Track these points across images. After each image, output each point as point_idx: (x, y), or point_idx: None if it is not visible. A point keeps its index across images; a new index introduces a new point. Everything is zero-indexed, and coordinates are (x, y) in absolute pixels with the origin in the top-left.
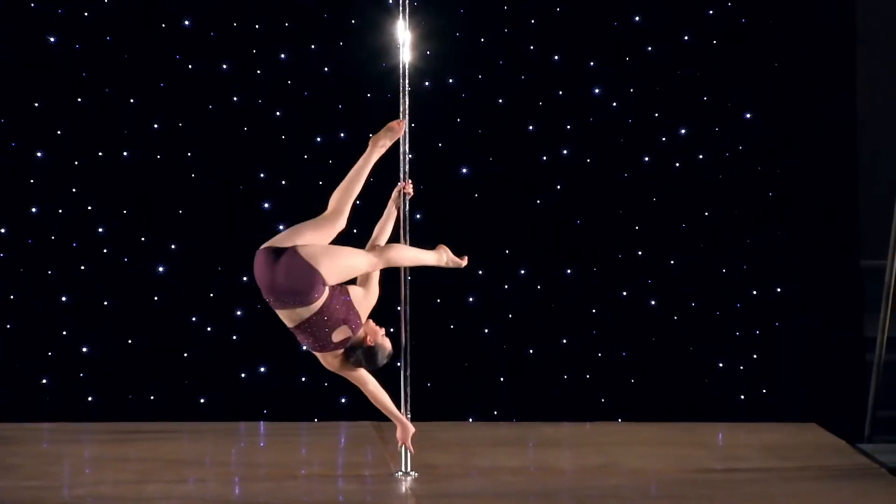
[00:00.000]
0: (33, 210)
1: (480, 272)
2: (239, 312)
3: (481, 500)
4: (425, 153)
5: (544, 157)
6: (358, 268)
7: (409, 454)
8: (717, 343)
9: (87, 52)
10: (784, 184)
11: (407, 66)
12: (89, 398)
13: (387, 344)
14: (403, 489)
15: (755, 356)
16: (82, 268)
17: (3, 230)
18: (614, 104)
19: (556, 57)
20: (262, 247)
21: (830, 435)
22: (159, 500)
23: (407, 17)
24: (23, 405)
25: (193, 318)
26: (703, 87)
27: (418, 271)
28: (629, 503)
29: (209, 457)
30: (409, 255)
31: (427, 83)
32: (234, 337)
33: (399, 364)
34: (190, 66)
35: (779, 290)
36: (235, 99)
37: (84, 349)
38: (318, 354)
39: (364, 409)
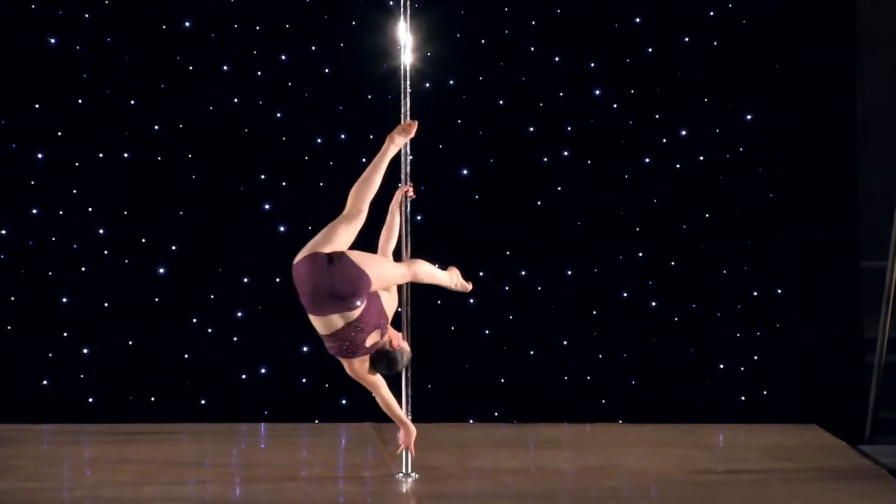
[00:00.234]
0: (34, 211)
1: (481, 273)
2: (239, 314)
3: (481, 502)
4: (426, 154)
5: (545, 159)
6: (394, 278)
7: (409, 455)
8: (717, 344)
9: (88, 52)
10: (784, 185)
11: (408, 68)
12: (89, 399)
13: (407, 347)
14: (404, 490)
15: (756, 357)
16: (83, 269)
17: (3, 231)
18: (615, 105)
19: (557, 58)
20: (307, 253)
21: (831, 436)
22: (159, 501)
23: (408, 18)
24: (23, 406)
25: (194, 320)
26: (704, 88)
27: None
28: None
29: (209, 458)
30: (430, 272)
31: (427, 84)
32: (235, 338)
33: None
34: (190, 68)
35: (779, 291)
36: (236, 100)
37: (84, 350)
38: (345, 360)
39: (364, 411)
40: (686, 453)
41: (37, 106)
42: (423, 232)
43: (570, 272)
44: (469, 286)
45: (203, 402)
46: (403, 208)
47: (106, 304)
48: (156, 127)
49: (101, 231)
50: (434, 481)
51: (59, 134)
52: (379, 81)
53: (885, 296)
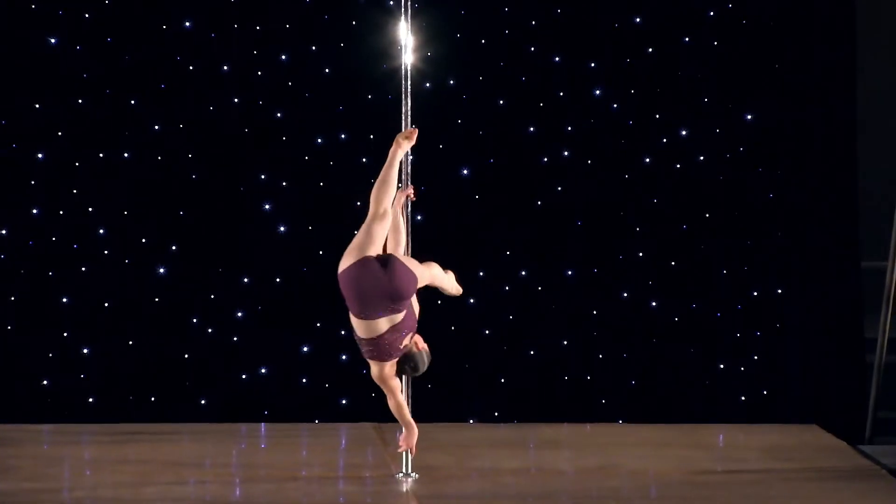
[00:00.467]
0: (34, 211)
1: (481, 273)
2: (240, 314)
3: (481, 502)
4: (426, 154)
5: (545, 159)
6: (427, 279)
7: (409, 455)
8: (717, 344)
9: (88, 52)
10: (784, 185)
11: (409, 68)
12: (90, 399)
13: (427, 349)
14: (404, 490)
15: (756, 357)
16: (83, 269)
17: (3, 231)
18: (615, 105)
19: (557, 58)
20: (357, 258)
21: (831, 436)
22: (159, 501)
23: (409, 19)
24: (23, 406)
25: (194, 320)
26: (704, 88)
27: None
28: None
29: (210, 458)
30: (442, 276)
31: (428, 84)
32: (235, 338)
33: None
34: (191, 68)
35: (779, 291)
36: (236, 100)
37: (84, 350)
38: (378, 363)
39: (364, 411)
40: (686, 453)
41: (37, 106)
42: (424, 232)
43: (570, 272)
44: (461, 290)
45: (203, 402)
46: (405, 211)
47: (106, 304)
48: (156, 127)
49: (101, 231)
50: (434, 481)
51: (59, 134)
52: (379, 81)
53: (885, 296)
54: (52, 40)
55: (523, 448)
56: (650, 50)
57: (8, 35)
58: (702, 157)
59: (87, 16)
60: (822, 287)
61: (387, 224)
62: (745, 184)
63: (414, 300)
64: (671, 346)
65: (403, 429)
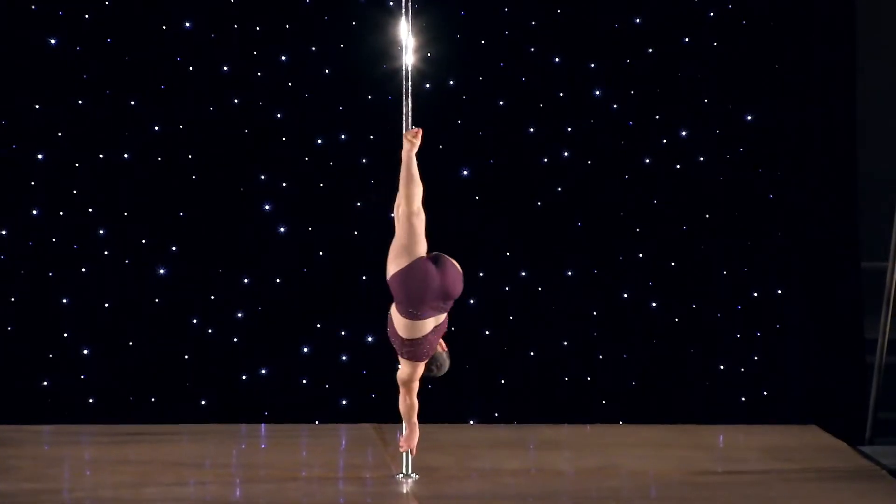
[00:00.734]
0: (34, 212)
1: (481, 274)
2: (240, 314)
3: (481, 502)
4: (426, 155)
5: (545, 159)
6: None
7: (409, 456)
8: (717, 344)
9: (88, 53)
10: (784, 185)
11: (409, 69)
12: (90, 400)
13: (448, 351)
14: (404, 491)
15: (756, 358)
16: (83, 269)
17: (3, 232)
18: (615, 106)
19: (557, 59)
20: (409, 259)
21: (831, 437)
22: (160, 502)
23: (410, 19)
24: (23, 407)
25: (194, 320)
26: (704, 88)
27: None
28: None
29: (210, 459)
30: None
31: (428, 85)
32: (235, 339)
33: (399, 366)
34: (191, 68)
35: (779, 291)
36: (236, 100)
37: (85, 351)
38: (411, 364)
39: (364, 411)
40: (686, 454)
41: (37, 106)
42: (424, 232)
43: (570, 272)
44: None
45: (203, 402)
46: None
47: (106, 305)
48: (156, 127)
49: (101, 231)
50: (434, 482)
51: (59, 134)
52: (379, 82)
53: (886, 296)
54: (52, 40)
55: (523, 449)
56: (650, 50)
57: (8, 35)
58: (702, 158)
59: (87, 16)
60: (822, 287)
61: (423, 219)
62: (744, 184)
63: None
64: (671, 347)
65: (405, 429)
